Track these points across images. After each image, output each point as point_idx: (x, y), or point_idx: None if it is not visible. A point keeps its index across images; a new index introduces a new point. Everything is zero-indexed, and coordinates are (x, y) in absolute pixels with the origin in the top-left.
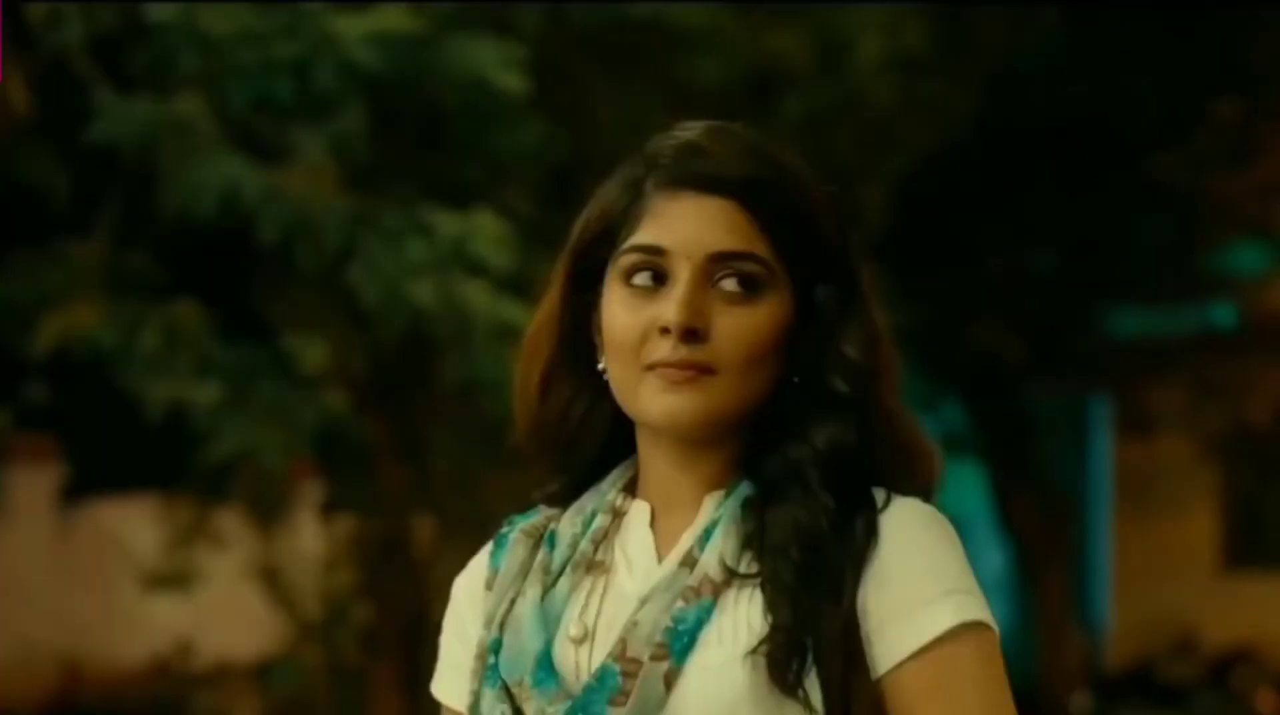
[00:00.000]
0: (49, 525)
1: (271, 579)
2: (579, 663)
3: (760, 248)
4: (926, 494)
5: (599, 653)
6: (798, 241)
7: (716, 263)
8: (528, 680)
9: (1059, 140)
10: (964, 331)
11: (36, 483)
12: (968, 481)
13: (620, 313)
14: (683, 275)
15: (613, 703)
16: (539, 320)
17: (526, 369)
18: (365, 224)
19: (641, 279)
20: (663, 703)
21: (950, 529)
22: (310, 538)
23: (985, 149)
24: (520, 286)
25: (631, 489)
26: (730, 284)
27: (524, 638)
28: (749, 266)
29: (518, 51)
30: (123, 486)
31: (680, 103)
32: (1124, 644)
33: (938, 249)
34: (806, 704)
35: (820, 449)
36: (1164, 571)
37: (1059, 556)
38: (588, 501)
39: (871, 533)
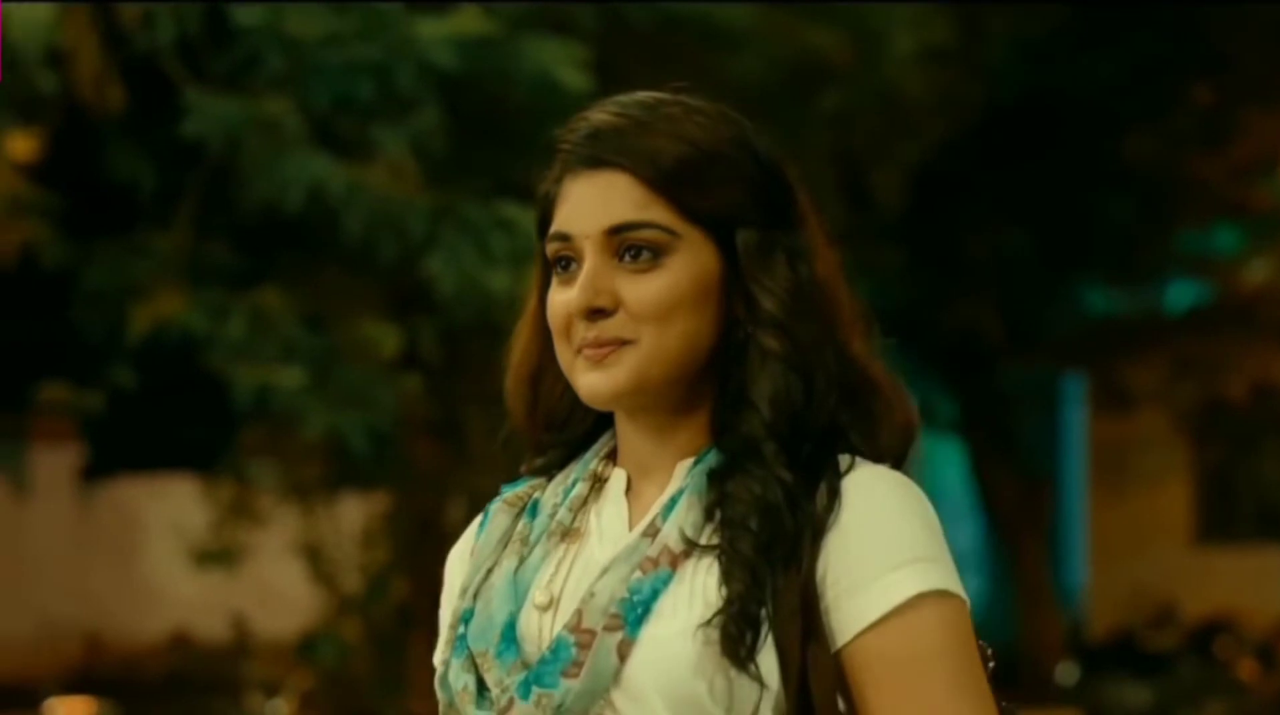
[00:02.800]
0: (69, 503)
1: (312, 555)
2: (542, 630)
3: (656, 213)
4: (900, 444)
5: (561, 620)
6: (703, 194)
7: (614, 236)
8: (491, 651)
9: (1037, 122)
10: (945, 310)
11: (57, 462)
12: (947, 457)
13: (551, 300)
14: (586, 255)
15: (566, 674)
16: (526, 314)
17: (515, 354)
18: (445, 217)
19: (561, 265)
20: (616, 674)
21: (916, 495)
22: (348, 515)
23: (966, 132)
24: None
25: (615, 456)
26: (632, 254)
27: (492, 608)
28: (646, 234)
29: (582, 51)
30: (140, 466)
31: (721, 97)
32: (1101, 616)
33: (920, 229)
34: (757, 677)
35: (767, 417)
36: (1138, 545)
37: (1037, 531)
38: (572, 470)
39: (833, 500)
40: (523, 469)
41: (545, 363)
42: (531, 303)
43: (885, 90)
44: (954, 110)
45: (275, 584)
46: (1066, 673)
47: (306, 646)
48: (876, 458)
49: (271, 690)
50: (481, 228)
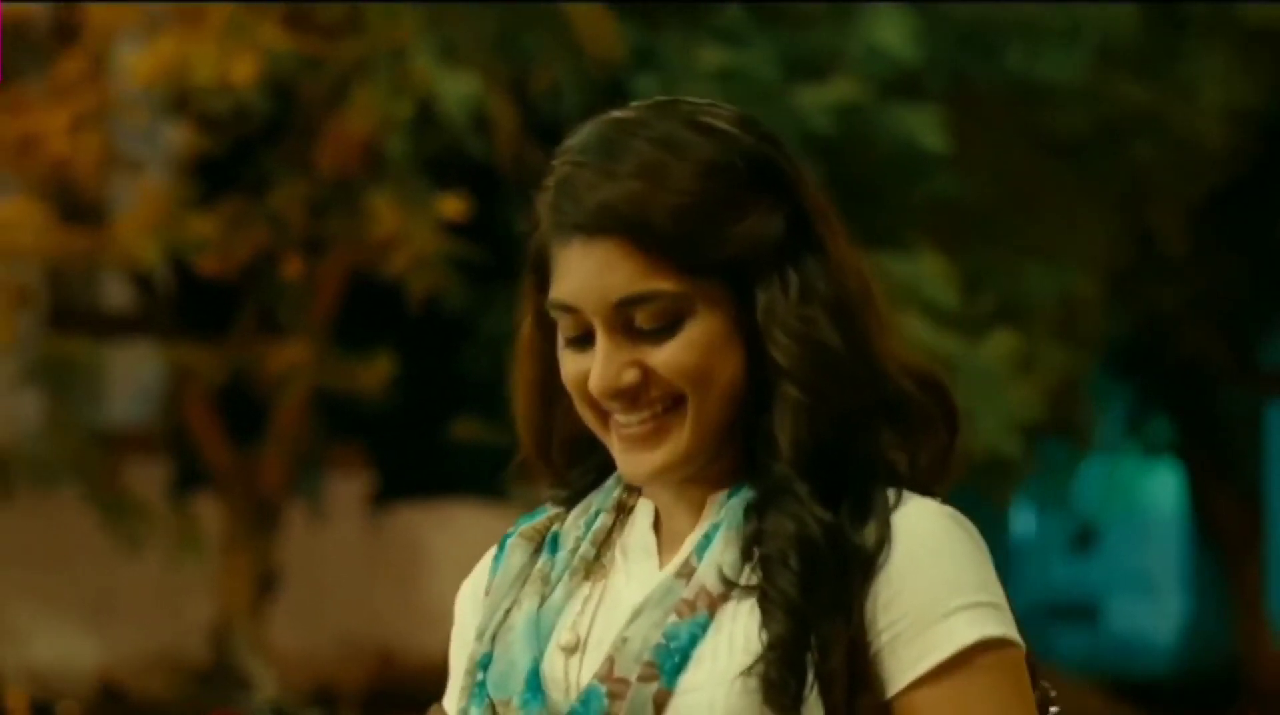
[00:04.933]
0: (360, 528)
1: None
2: (569, 675)
3: (663, 281)
4: (941, 464)
5: (589, 665)
6: (705, 247)
7: (622, 310)
8: (515, 701)
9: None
10: (1171, 336)
11: (349, 489)
12: (1161, 478)
13: (565, 365)
14: (598, 332)
15: None
16: (519, 345)
17: (519, 395)
18: None
19: (570, 334)
20: None
21: (970, 532)
22: None
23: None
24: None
25: None
26: (646, 325)
27: (514, 653)
28: (656, 305)
29: (940, 113)
30: (422, 493)
31: (1040, 148)
32: None
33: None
34: None
35: (792, 460)
36: None
37: (1254, 551)
38: (594, 499)
39: (883, 539)
40: (543, 495)
41: (556, 392)
42: (526, 327)
43: (1187, 140)
44: (1239, 157)
45: None
46: None
47: None
48: (923, 485)
49: None
50: None
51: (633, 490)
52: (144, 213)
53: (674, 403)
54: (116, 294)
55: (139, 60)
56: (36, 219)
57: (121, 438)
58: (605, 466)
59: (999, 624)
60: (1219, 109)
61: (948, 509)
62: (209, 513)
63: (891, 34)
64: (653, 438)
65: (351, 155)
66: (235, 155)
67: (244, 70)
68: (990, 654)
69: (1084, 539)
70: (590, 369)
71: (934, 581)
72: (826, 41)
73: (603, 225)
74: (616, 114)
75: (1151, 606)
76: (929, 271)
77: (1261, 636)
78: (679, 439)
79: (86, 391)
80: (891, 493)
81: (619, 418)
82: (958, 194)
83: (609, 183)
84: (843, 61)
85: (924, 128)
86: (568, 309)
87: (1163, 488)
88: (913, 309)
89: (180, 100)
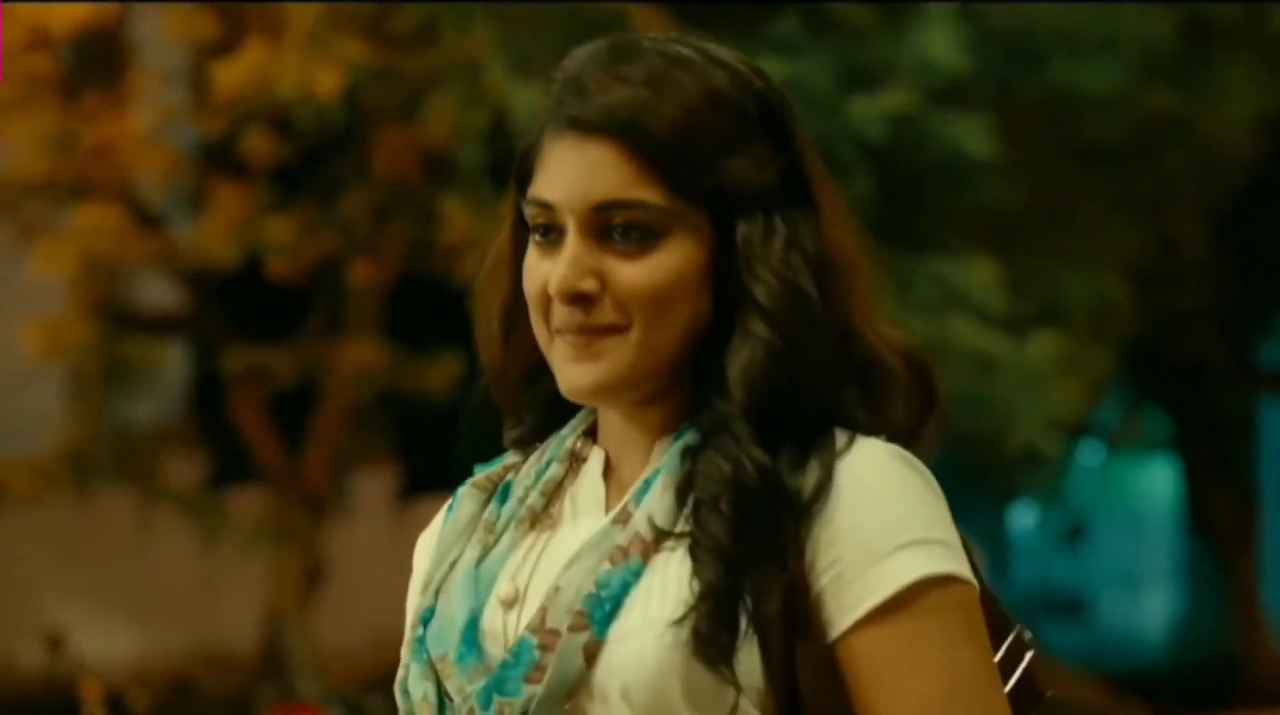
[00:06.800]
0: (386, 522)
1: None
2: (507, 628)
3: (650, 191)
4: (910, 420)
5: (527, 618)
6: (701, 173)
7: (602, 213)
8: (450, 655)
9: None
10: (1170, 335)
11: (375, 484)
12: (1159, 474)
13: (528, 269)
14: (570, 232)
15: (528, 679)
16: (491, 259)
17: (486, 310)
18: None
19: (541, 234)
20: (583, 677)
21: (920, 471)
22: None
23: None
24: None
25: (595, 433)
26: (620, 236)
27: (453, 606)
28: (637, 215)
29: (988, 120)
30: (446, 488)
31: (1074, 156)
32: None
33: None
34: (731, 680)
35: (740, 398)
36: None
37: (1249, 548)
38: (548, 447)
39: (825, 480)
40: (505, 440)
41: (519, 310)
42: (502, 241)
43: (1213, 146)
44: (1261, 162)
45: None
46: None
47: None
48: (880, 434)
49: None
50: (907, 278)
51: (587, 439)
52: (224, 217)
53: (621, 328)
54: (149, 293)
55: (224, 71)
56: (112, 224)
57: (155, 435)
58: (557, 402)
59: (946, 560)
60: (1246, 116)
61: (896, 448)
62: (245, 508)
63: (941, 44)
64: (593, 349)
65: (411, 162)
66: (301, 161)
67: (328, 82)
68: (937, 591)
69: (1075, 534)
70: (551, 273)
71: (876, 520)
72: (879, 52)
73: (601, 125)
74: (633, 35)
75: (1144, 602)
76: (976, 276)
77: (1256, 633)
78: (619, 357)
79: (138, 390)
80: (842, 437)
81: (563, 329)
82: (998, 200)
83: (618, 85)
84: (895, 72)
85: (970, 135)
86: (545, 206)
87: (1157, 483)
88: (961, 311)
89: (259, 109)
